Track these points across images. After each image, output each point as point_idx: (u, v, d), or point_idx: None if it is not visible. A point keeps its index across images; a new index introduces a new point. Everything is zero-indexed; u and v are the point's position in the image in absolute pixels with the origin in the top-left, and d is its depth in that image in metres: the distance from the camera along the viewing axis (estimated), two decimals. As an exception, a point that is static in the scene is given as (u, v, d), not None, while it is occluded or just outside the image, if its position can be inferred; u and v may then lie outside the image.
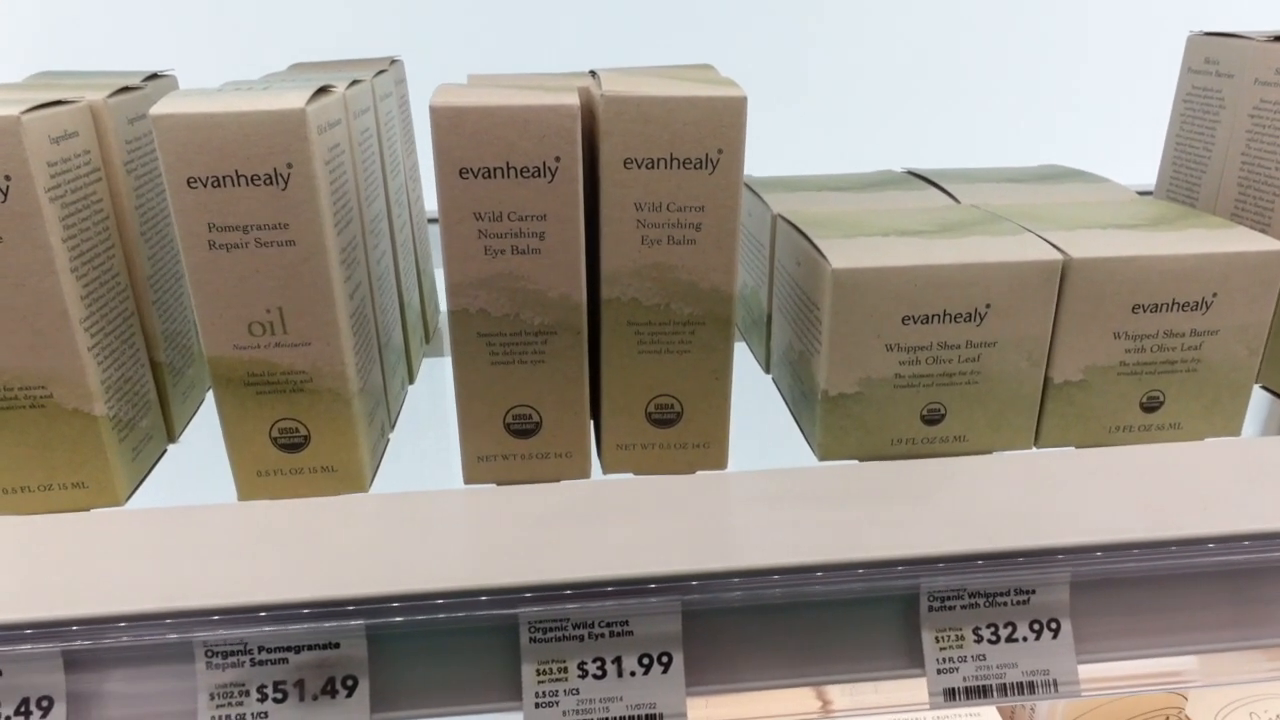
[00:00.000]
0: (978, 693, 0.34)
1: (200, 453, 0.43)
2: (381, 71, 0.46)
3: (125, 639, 0.31)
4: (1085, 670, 0.36)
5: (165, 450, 0.42)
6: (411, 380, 0.50)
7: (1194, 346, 0.40)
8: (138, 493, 0.39)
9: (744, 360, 0.53)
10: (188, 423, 0.45)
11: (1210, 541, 0.34)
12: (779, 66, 0.83)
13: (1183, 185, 0.53)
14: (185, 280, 0.46)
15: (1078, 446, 0.41)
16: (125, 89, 0.39)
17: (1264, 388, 0.47)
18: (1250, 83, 0.47)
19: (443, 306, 0.59)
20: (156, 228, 0.41)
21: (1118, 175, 0.59)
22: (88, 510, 0.37)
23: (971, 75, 0.85)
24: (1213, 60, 0.50)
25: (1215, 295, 0.39)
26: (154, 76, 0.43)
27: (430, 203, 0.58)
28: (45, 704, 0.31)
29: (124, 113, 0.38)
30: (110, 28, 0.76)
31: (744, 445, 0.43)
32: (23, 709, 0.31)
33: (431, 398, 0.51)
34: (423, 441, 0.45)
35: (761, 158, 0.63)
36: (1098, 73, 0.86)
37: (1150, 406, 0.41)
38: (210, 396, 0.47)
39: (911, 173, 0.56)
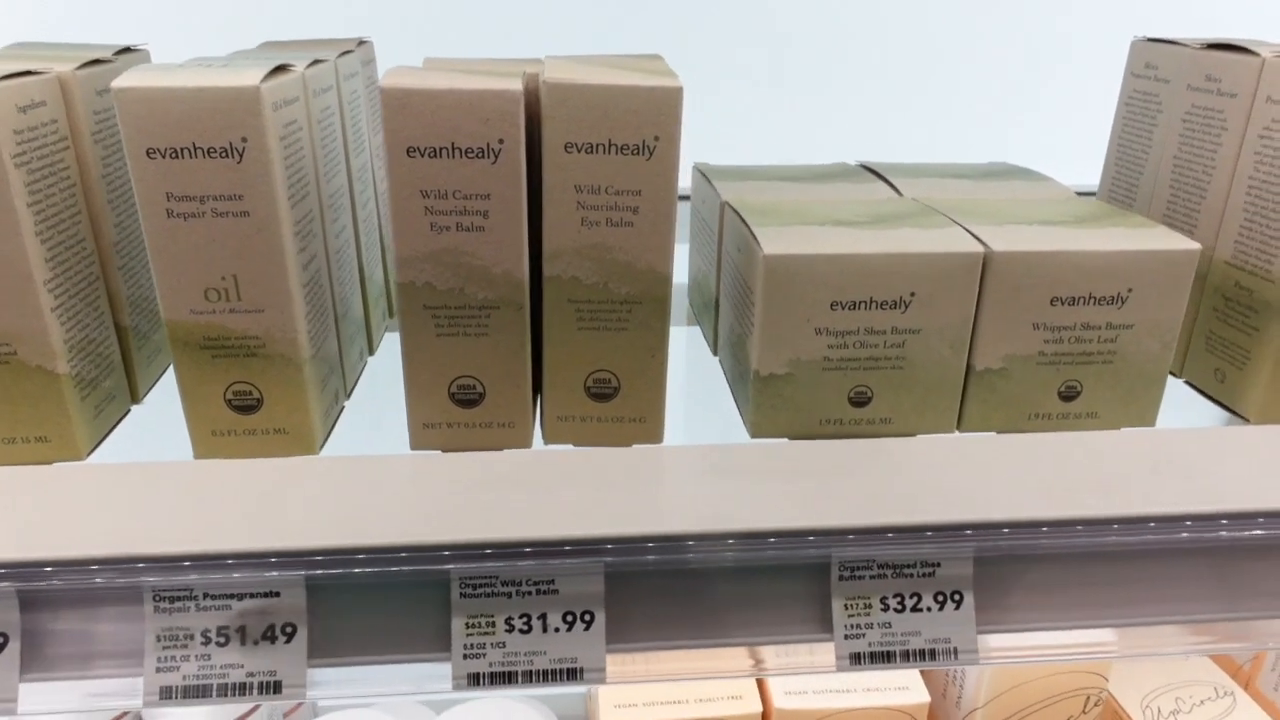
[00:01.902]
0: (882, 657, 0.36)
1: (162, 414, 0.45)
2: (347, 52, 0.47)
3: (77, 581, 0.33)
4: (998, 640, 0.38)
5: (129, 410, 0.44)
6: (371, 351, 0.52)
7: (1110, 339, 0.42)
8: (99, 449, 0.41)
9: (696, 343, 0.55)
10: (152, 385, 0.46)
11: (1106, 522, 0.36)
12: (755, 58, 0.85)
13: (1123, 186, 0.55)
14: (152, 248, 0.48)
15: (998, 432, 0.44)
16: (95, 61, 0.40)
17: (1188, 383, 0.50)
18: (1183, 88, 0.49)
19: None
20: (123, 196, 0.43)
21: (1074, 175, 0.61)
22: (49, 463, 0.39)
23: (942, 72, 0.87)
24: (1152, 65, 0.52)
25: (1130, 290, 0.41)
26: (126, 50, 0.45)
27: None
28: (1, 640, 0.33)
29: (93, 84, 0.40)
30: (91, 3, 0.77)
31: (687, 423, 0.45)
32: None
33: (391, 369, 0.52)
34: (377, 410, 0.47)
35: (736, 146, 0.65)
36: (1063, 73, 0.87)
37: (1068, 395, 0.43)
38: (175, 361, 0.49)
39: (864, 166, 0.58)
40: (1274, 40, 0.50)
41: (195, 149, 0.34)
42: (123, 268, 0.43)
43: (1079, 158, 0.72)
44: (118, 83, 0.33)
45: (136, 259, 0.44)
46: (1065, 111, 0.87)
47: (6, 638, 0.33)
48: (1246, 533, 0.37)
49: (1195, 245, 0.41)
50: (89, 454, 0.40)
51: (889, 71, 0.87)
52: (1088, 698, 0.56)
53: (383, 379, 0.50)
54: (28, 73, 0.36)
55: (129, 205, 0.43)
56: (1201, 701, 0.60)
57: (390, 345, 0.54)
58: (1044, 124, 0.87)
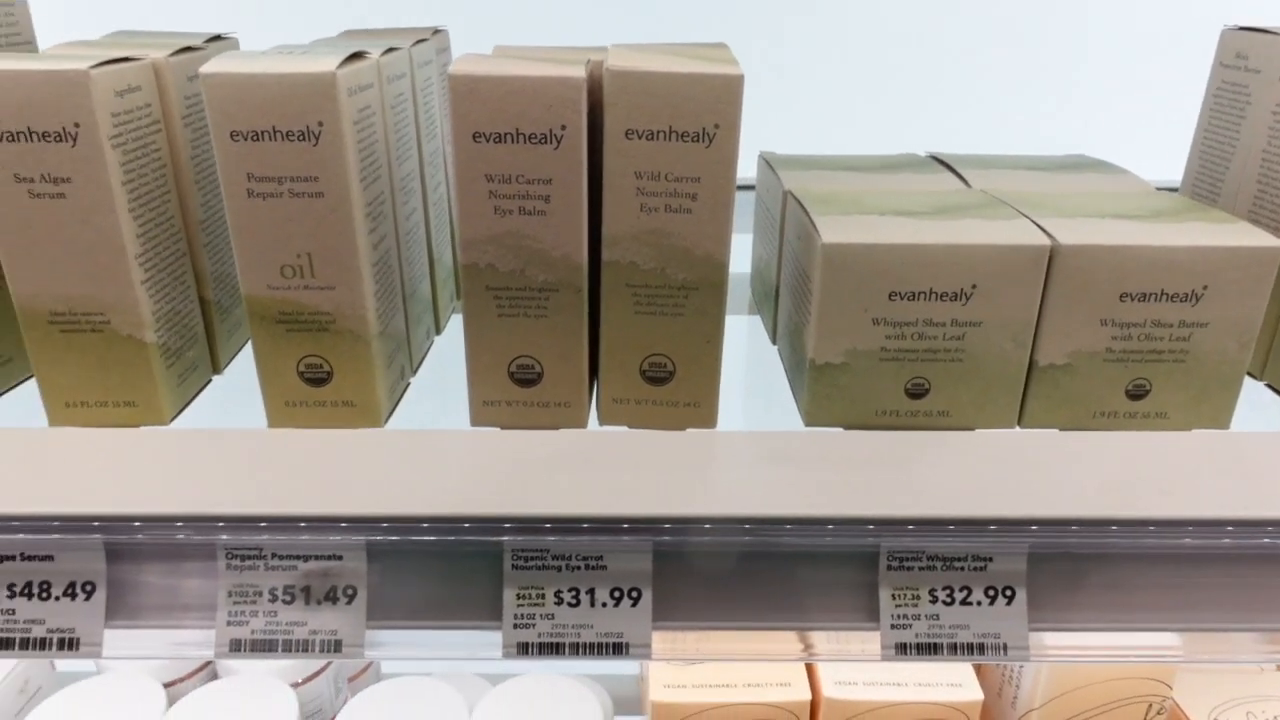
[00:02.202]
0: (929, 649, 0.36)
1: (240, 385, 0.47)
2: (421, 40, 0.49)
3: (159, 536, 0.35)
4: (1052, 639, 0.37)
5: (209, 380, 0.46)
6: (439, 331, 0.54)
7: (1183, 337, 0.41)
8: (182, 416, 0.43)
9: (757, 331, 0.55)
10: (233, 357, 0.49)
11: (1168, 524, 0.35)
12: (823, 52, 0.84)
13: (1207, 181, 0.53)
14: (235, 227, 0.50)
15: (1062, 429, 0.43)
16: (188, 49, 0.43)
17: (1269, 386, 0.48)
18: (1275, 79, 0.47)
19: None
20: (210, 177, 0.45)
21: (1157, 172, 0.59)
22: (136, 427, 0.41)
23: (1022, 63, 0.84)
24: (1243, 55, 0.50)
25: (1206, 288, 0.40)
26: (216, 38, 0.47)
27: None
28: (89, 588, 0.35)
29: (184, 71, 0.42)
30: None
31: (744, 410, 0.46)
32: (70, 590, 0.35)
33: (456, 349, 0.54)
34: (440, 387, 0.49)
35: (803, 135, 0.65)
36: (1152, 68, 0.84)
37: (1136, 394, 0.42)
38: (254, 335, 0.52)
39: (933, 156, 0.57)
40: (1378, 28, 0.48)
41: (275, 132, 0.36)
42: (208, 245, 0.45)
43: (1163, 153, 0.70)
44: (205, 69, 0.35)
45: (220, 236, 0.47)
46: (1151, 105, 0.83)
47: (94, 585, 0.35)
48: (1321, 542, 0.36)
49: (1279, 243, 0.39)
50: (172, 420, 0.42)
51: (964, 61, 0.85)
52: (1149, 705, 0.54)
53: (448, 358, 0.52)
54: (124, 59, 0.38)
55: (214, 185, 0.46)
56: (1274, 717, 0.58)
57: (456, 326, 0.56)
58: (1127, 117, 0.84)
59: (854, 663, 0.55)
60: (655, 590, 0.36)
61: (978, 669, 0.56)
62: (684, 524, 0.35)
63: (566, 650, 0.36)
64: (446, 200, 0.54)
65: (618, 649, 0.36)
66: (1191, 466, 0.39)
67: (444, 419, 0.44)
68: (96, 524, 0.35)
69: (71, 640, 0.35)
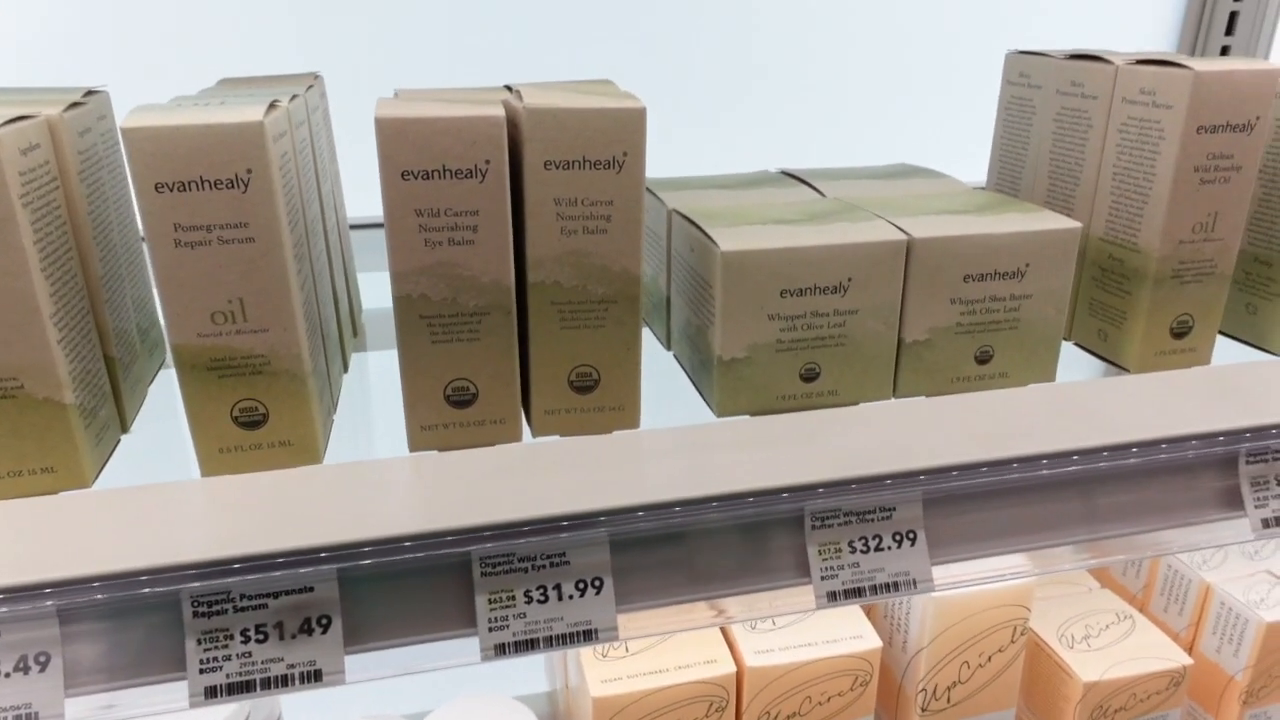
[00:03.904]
0: (854, 593, 0.42)
1: (151, 441, 0.46)
2: (310, 87, 0.50)
3: (119, 595, 0.34)
4: (940, 571, 0.44)
5: (119, 440, 0.45)
6: (345, 370, 0.54)
7: (1014, 309, 0.49)
8: (100, 477, 0.42)
9: (647, 340, 0.60)
10: (136, 414, 0.48)
11: (1019, 460, 0.43)
12: (660, 77, 0.90)
13: (1008, 178, 0.62)
14: (132, 284, 0.49)
15: (927, 395, 0.50)
16: (75, 104, 0.42)
17: (1076, 344, 0.57)
18: (1053, 92, 0.57)
19: (367, 304, 0.63)
20: (105, 233, 0.44)
21: (962, 171, 0.69)
22: (55, 493, 0.40)
23: (835, 84, 0.95)
24: (1025, 74, 0.60)
25: (1028, 265, 0.48)
26: (91, 92, 0.46)
27: (351, 210, 0.62)
28: (42, 659, 0.34)
29: (76, 126, 0.42)
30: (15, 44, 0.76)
31: (654, 412, 0.50)
32: (21, 665, 0.34)
33: (362, 386, 0.55)
34: (361, 421, 0.50)
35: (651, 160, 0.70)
36: (944, 83, 0.97)
37: (983, 359, 0.50)
38: (153, 390, 0.51)
39: (784, 172, 0.64)
40: (1123, 49, 0.59)
41: (203, 181, 0.37)
42: (108, 301, 0.44)
43: (958, 156, 0.81)
44: (126, 123, 0.36)
45: (117, 292, 0.46)
46: (943, 117, 0.96)
47: (49, 656, 0.34)
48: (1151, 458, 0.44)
49: (1077, 224, 0.48)
50: (94, 481, 0.41)
51: (785, 88, 0.94)
52: (1014, 629, 0.63)
53: (358, 395, 0.53)
54: (22, 117, 0.38)
55: (108, 240, 0.45)
56: (1107, 626, 0.68)
57: (357, 364, 0.57)
58: (921, 128, 0.96)
59: (768, 633, 0.60)
60: (615, 577, 0.39)
61: (871, 620, 0.63)
62: (635, 512, 0.39)
63: (541, 644, 0.38)
64: (340, 243, 0.55)
65: (588, 635, 0.39)
66: (1033, 413, 0.47)
67: (376, 451, 0.46)
68: (50, 590, 0.34)
69: (29, 715, 0.34)
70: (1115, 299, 0.53)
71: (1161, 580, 0.74)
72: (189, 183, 0.37)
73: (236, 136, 0.36)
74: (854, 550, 0.42)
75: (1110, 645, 0.66)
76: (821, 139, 0.95)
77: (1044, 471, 0.43)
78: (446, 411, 0.43)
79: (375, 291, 0.64)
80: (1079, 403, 0.48)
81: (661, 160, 0.61)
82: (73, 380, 0.39)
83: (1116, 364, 0.54)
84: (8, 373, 0.38)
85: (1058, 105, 0.57)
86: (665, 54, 0.90)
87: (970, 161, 0.80)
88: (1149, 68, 0.50)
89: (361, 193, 0.67)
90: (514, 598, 0.38)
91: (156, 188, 0.36)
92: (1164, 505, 0.47)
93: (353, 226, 0.63)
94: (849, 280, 0.46)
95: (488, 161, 0.39)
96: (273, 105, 0.39)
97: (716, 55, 0.91)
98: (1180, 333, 0.52)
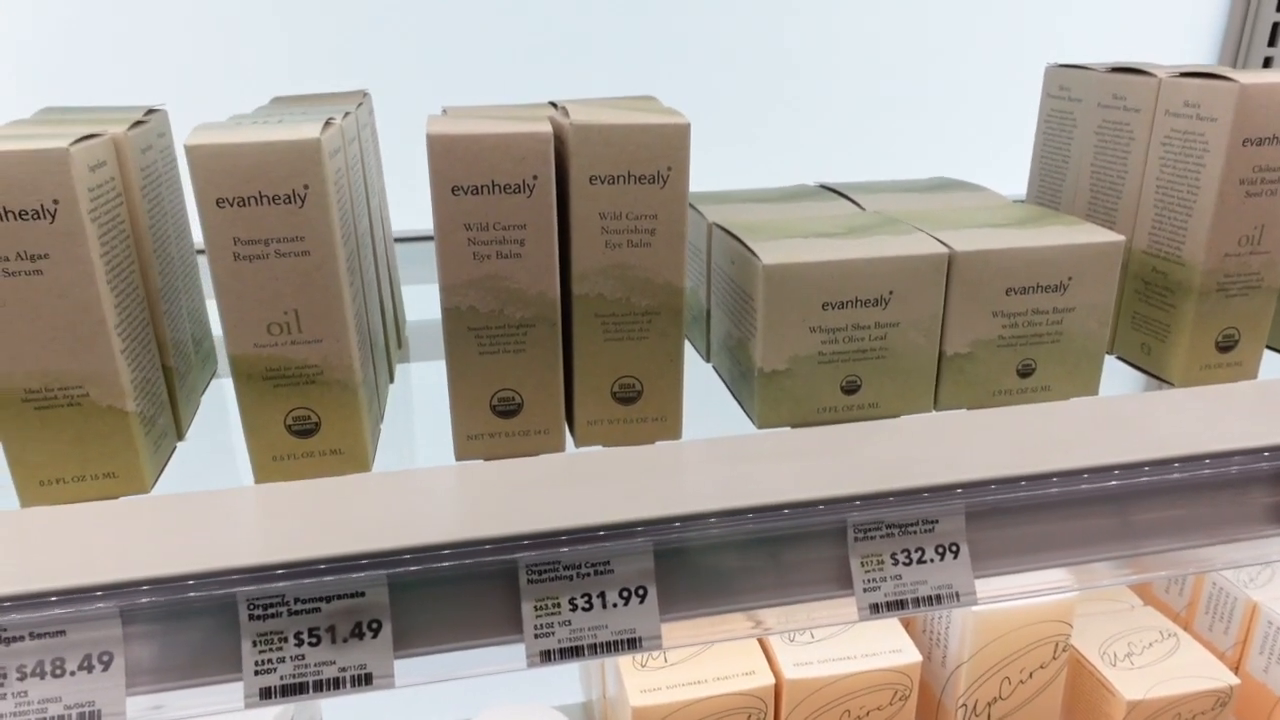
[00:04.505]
0: (897, 605, 0.42)
1: (206, 448, 0.47)
2: (359, 104, 0.51)
3: (178, 598, 0.35)
4: (990, 584, 0.44)
5: (175, 447, 0.47)
6: (391, 380, 0.55)
7: (1056, 322, 0.49)
8: (158, 484, 0.43)
9: (686, 352, 0.60)
10: (190, 422, 0.49)
11: (1062, 475, 0.42)
12: (700, 93, 0.91)
13: (1048, 191, 0.62)
14: (187, 296, 0.51)
15: (968, 408, 0.50)
16: (137, 123, 0.44)
17: (1119, 358, 0.57)
18: (1094, 105, 0.57)
19: (410, 316, 0.64)
20: (164, 246, 0.46)
21: (997, 184, 0.69)
22: (116, 498, 0.41)
23: (877, 98, 0.95)
24: (1065, 87, 0.60)
25: (1070, 279, 0.48)
26: (151, 111, 0.48)
27: (396, 223, 0.63)
28: (106, 658, 0.35)
29: (139, 143, 0.43)
30: (72, 64, 0.79)
31: (694, 423, 0.50)
32: (85, 664, 0.35)
33: (406, 397, 0.56)
34: (408, 430, 0.51)
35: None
36: (984, 96, 0.97)
37: (1024, 373, 0.50)
38: (205, 399, 0.52)
39: (823, 186, 0.64)
40: (1163, 61, 0.59)
41: (261, 197, 0.38)
42: (166, 312, 0.45)
43: (996, 169, 0.81)
44: (190, 140, 0.37)
45: (174, 303, 0.47)
46: (972, 130, 0.96)
47: (111, 655, 0.35)
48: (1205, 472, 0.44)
49: (1120, 237, 0.48)
50: (152, 487, 0.42)
51: (822, 102, 0.94)
52: (1056, 645, 0.62)
53: (403, 405, 0.54)
54: (91, 135, 0.39)
55: (167, 253, 0.46)
56: (1150, 644, 0.67)
57: (402, 375, 0.58)
58: (958, 140, 0.96)
59: (807, 645, 0.60)
60: (659, 586, 0.40)
61: (911, 634, 0.62)
62: (681, 522, 0.39)
63: (586, 651, 0.39)
64: (386, 255, 0.56)
65: (632, 644, 0.39)
66: (1076, 427, 0.47)
67: (421, 459, 0.47)
68: (109, 591, 0.35)
69: (92, 714, 0.35)
70: (1159, 312, 0.53)
71: (1206, 598, 0.72)
72: (249, 198, 0.38)
73: (295, 153, 0.38)
74: (896, 562, 0.42)
75: (1154, 664, 0.65)
76: (858, 152, 0.95)
77: (1084, 486, 0.43)
78: (492, 421, 0.44)
79: (418, 303, 0.65)
80: (1122, 417, 0.48)
81: (700, 174, 0.62)
82: (134, 389, 0.41)
83: (1160, 378, 0.54)
84: (74, 381, 0.39)
85: (1099, 118, 0.56)
86: (704, 70, 0.91)
87: (1007, 174, 0.80)
88: (1193, 80, 0.50)
89: (405, 206, 0.69)
90: (559, 605, 0.39)
91: (218, 203, 0.38)
92: (1208, 521, 0.46)
93: (397, 239, 0.64)
94: (890, 293, 0.46)
95: (535, 177, 0.40)
96: (328, 123, 0.40)
97: (753, 71, 0.92)
98: (1226, 346, 0.52)
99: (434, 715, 0.73)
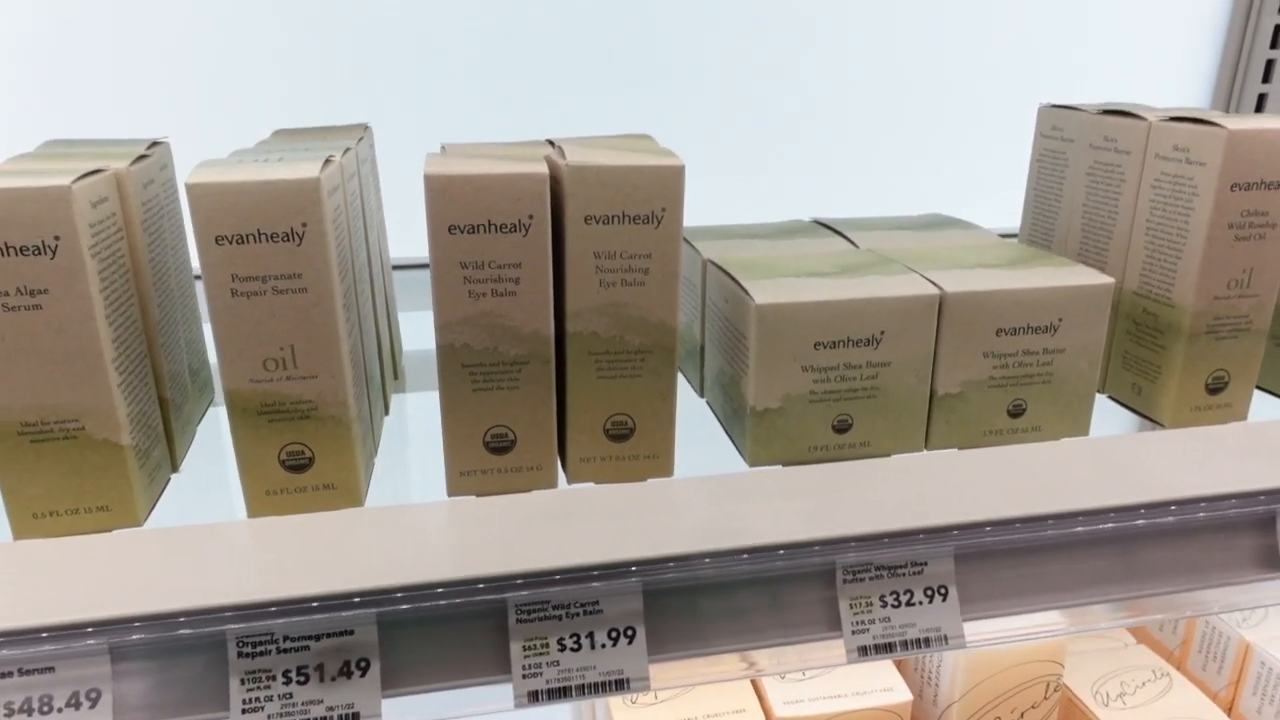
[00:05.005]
0: (885, 648, 0.42)
1: (200, 480, 0.48)
2: (360, 139, 0.52)
3: (167, 635, 0.36)
4: (972, 628, 0.44)
5: (169, 479, 0.47)
6: (386, 412, 0.56)
7: (1047, 363, 0.49)
8: (152, 516, 0.43)
9: (680, 387, 0.60)
10: (186, 452, 0.49)
11: (1057, 518, 0.43)
12: (695, 124, 0.92)
13: (1040, 229, 0.63)
14: (185, 327, 0.51)
15: (959, 448, 0.50)
16: (140, 157, 0.44)
17: (1110, 397, 0.57)
18: (1086, 146, 0.57)
19: (407, 346, 0.65)
20: (163, 279, 0.46)
21: (992, 218, 0.70)
22: (109, 531, 0.41)
23: (868, 134, 0.96)
24: (1058, 127, 0.60)
25: (1060, 320, 0.48)
26: (154, 144, 0.49)
27: (394, 251, 0.64)
28: (94, 695, 0.35)
29: (140, 178, 0.44)
30: (71, 93, 0.79)
31: (685, 458, 0.50)
32: (73, 701, 0.35)
33: (401, 428, 0.56)
34: (402, 464, 0.51)
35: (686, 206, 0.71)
36: (976, 130, 0.98)
37: (1015, 413, 0.50)
38: (200, 430, 0.52)
39: (817, 221, 0.65)
40: (1155, 96, 0.60)
41: (260, 235, 0.38)
42: (163, 345, 0.46)
43: (990, 203, 0.82)
44: (190, 179, 0.37)
45: (172, 336, 0.47)
46: (967, 164, 0.97)
47: (99, 692, 0.35)
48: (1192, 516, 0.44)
49: (1110, 279, 0.49)
50: (145, 520, 0.42)
51: (819, 136, 0.95)
52: (1047, 684, 0.62)
53: (398, 438, 0.54)
54: (94, 171, 0.40)
55: (166, 286, 0.47)
56: (1144, 683, 0.67)
57: (398, 406, 0.58)
58: (953, 174, 0.97)
59: (798, 683, 0.60)
60: (647, 627, 0.40)
61: (903, 673, 0.62)
62: (667, 563, 0.39)
63: (574, 692, 0.39)
64: (384, 287, 0.57)
65: (620, 685, 0.39)
66: (1068, 468, 0.47)
67: (414, 493, 0.47)
68: (97, 628, 0.35)
69: (79, 750, 0.35)
70: (1150, 353, 0.53)
71: (1200, 638, 0.72)
72: (248, 235, 0.38)
73: (293, 192, 0.38)
74: (885, 605, 0.42)
75: (1146, 704, 0.65)
76: (853, 185, 0.96)
77: (1080, 529, 0.43)
78: (485, 458, 0.44)
79: (415, 331, 0.66)
80: (1114, 458, 0.48)
81: (696, 206, 0.62)
82: (130, 422, 0.41)
83: (1151, 418, 0.54)
84: (70, 414, 0.39)
85: (1090, 159, 0.57)
86: (700, 102, 0.92)
87: (1002, 207, 0.81)
88: (1182, 125, 0.50)
89: (405, 234, 0.69)
90: (547, 645, 0.39)
91: (216, 240, 0.38)
92: (1202, 565, 0.46)
93: (395, 267, 0.65)
94: (882, 333, 0.47)
95: (531, 216, 0.41)
96: (328, 161, 0.41)
97: (750, 103, 0.93)
98: (1216, 388, 0.52)
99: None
